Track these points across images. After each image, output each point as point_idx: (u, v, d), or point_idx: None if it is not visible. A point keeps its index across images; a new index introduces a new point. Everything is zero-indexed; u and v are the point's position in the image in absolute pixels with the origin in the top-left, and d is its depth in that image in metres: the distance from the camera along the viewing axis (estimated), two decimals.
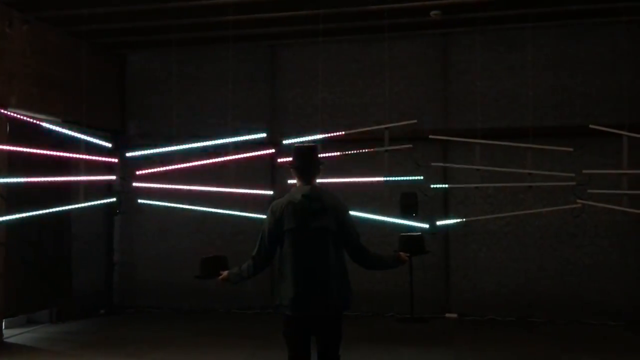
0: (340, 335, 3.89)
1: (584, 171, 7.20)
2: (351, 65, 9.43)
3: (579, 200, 7.18)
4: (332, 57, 9.34)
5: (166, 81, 9.69)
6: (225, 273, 4.17)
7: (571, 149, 7.35)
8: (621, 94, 8.35)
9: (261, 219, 8.50)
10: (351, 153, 7.74)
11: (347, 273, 3.87)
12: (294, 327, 3.83)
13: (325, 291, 3.72)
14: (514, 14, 8.24)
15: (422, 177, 7.82)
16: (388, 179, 7.46)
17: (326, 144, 7.81)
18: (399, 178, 7.82)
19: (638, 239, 8.34)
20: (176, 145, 7.86)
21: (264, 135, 8.06)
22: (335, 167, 8.52)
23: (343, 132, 7.86)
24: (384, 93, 8.62)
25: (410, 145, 7.51)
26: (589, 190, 7.12)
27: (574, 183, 7.22)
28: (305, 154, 4.01)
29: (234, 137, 7.90)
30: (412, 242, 4.44)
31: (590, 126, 7.09)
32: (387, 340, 7.44)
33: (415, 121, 7.54)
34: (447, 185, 8.46)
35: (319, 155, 4.07)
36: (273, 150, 8.28)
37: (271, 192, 8.68)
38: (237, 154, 7.84)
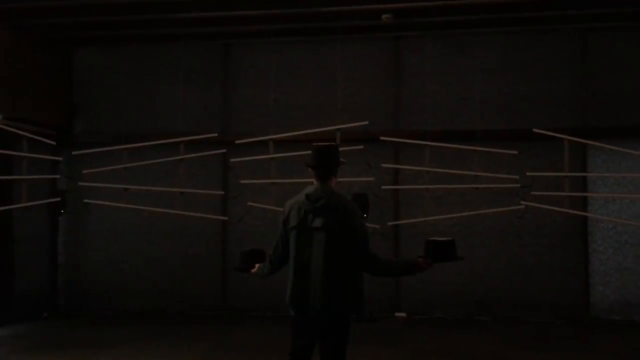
0: (344, 341, 3.76)
1: (528, 173, 7.46)
2: (304, 66, 9.46)
3: (522, 202, 7.42)
4: (285, 58, 9.33)
5: (116, 78, 9.50)
6: (256, 267, 4.22)
7: (516, 152, 7.58)
8: (563, 99, 8.68)
9: (212, 219, 8.53)
10: (303, 154, 7.75)
11: (353, 275, 3.73)
12: (295, 326, 3.83)
13: (322, 292, 3.65)
14: (463, 19, 8.44)
15: (373, 178, 7.91)
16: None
17: (279, 144, 7.84)
18: (351, 179, 7.91)
19: (578, 238, 8.68)
20: (125, 143, 7.70)
21: (215, 134, 7.99)
22: (288, 167, 8.61)
23: (295, 133, 7.86)
24: (336, 94, 8.68)
25: (362, 147, 7.59)
26: (532, 192, 7.36)
27: (518, 185, 7.45)
28: (322, 153, 3.93)
29: (185, 136, 7.81)
30: (439, 247, 3.94)
31: (534, 130, 7.33)
32: None
33: (366, 122, 7.62)
34: (398, 187, 8.59)
35: (337, 156, 3.99)
36: (225, 150, 8.23)
37: (222, 192, 8.64)
38: (189, 153, 7.75)
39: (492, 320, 8.53)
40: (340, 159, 4.02)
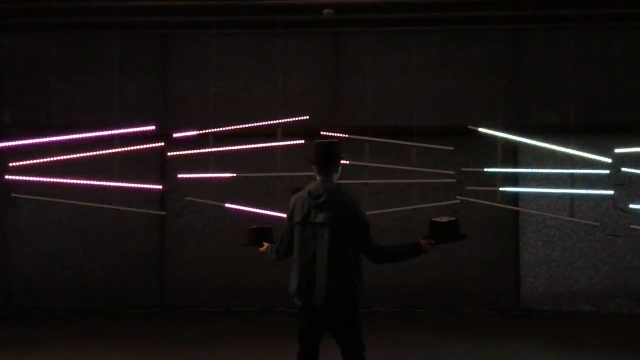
0: (355, 329, 3.87)
1: (463, 169, 7.68)
2: (245, 59, 9.36)
3: (458, 197, 7.64)
4: (225, 50, 9.21)
5: (46, 68, 9.07)
6: (265, 246, 4.34)
7: (452, 148, 7.78)
8: (496, 97, 8.97)
9: (149, 214, 8.32)
10: (243, 148, 7.70)
11: (355, 268, 3.84)
12: (302, 317, 3.92)
13: (327, 284, 3.76)
14: (402, 17, 8.59)
15: (313, 173, 7.91)
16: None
17: (218, 138, 7.73)
18: (291, 174, 7.91)
19: (510, 232, 9.01)
20: (55, 135, 7.37)
21: (152, 127, 7.78)
22: (228, 162, 8.51)
23: (235, 127, 7.78)
24: (277, 89, 8.64)
25: (302, 141, 7.59)
26: (467, 187, 7.59)
27: (454, 180, 7.66)
28: (324, 149, 3.99)
29: (120, 128, 7.57)
30: (443, 228, 3.97)
31: (469, 127, 7.55)
32: (277, 334, 7.48)
33: (307, 117, 7.63)
34: (338, 181, 8.63)
35: (339, 151, 4.00)
36: (163, 144, 8.03)
37: (160, 187, 8.44)
38: (124, 146, 7.51)
39: (428, 312, 8.74)
40: (342, 155, 4.05)
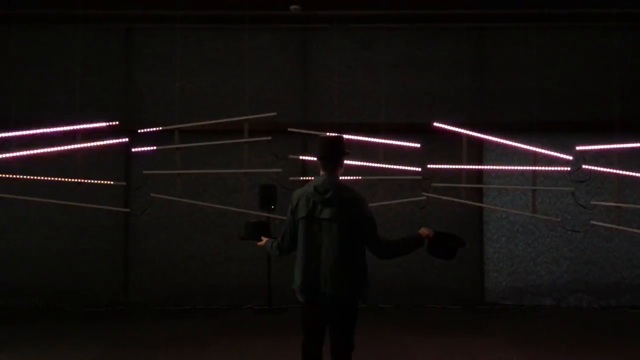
0: (352, 324, 3.89)
1: (429, 166, 7.76)
2: (211, 54, 9.26)
3: (424, 193, 7.72)
4: (191, 45, 9.10)
5: (5, 61, 8.80)
6: (264, 240, 4.30)
7: (418, 145, 7.85)
8: (462, 95, 9.09)
9: (113, 211, 8.17)
10: (209, 144, 7.62)
11: (361, 264, 3.87)
12: (306, 312, 3.93)
13: (332, 280, 3.77)
14: (369, 14, 8.62)
15: (280, 170, 7.90)
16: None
17: (184, 134, 7.63)
18: (258, 170, 7.87)
19: (475, 228, 9.15)
20: (15, 131, 7.16)
21: (116, 122, 7.63)
22: (194, 158, 8.41)
23: (201, 123, 7.69)
24: (244, 84, 8.58)
25: (270, 138, 7.54)
26: (433, 184, 7.67)
27: (420, 177, 7.74)
28: (328, 145, 4.00)
29: (82, 123, 7.39)
30: (443, 240, 4.10)
31: (435, 124, 7.63)
32: (244, 332, 7.45)
33: (274, 114, 7.58)
34: (306, 178, 8.63)
35: (343, 147, 4.03)
36: (127, 139, 7.89)
37: (124, 183, 8.29)
38: (87, 142, 7.34)
39: (393, 307, 8.81)
40: (346, 150, 4.06)
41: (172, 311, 8.63)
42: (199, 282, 9.01)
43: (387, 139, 7.83)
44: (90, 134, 7.47)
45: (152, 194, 7.68)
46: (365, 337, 6.99)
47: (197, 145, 7.59)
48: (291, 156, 8.25)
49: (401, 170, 7.79)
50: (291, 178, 8.05)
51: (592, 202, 7.94)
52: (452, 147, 8.10)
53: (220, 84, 9.18)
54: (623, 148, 7.74)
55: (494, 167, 8.79)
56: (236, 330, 7.56)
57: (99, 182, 7.77)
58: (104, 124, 7.41)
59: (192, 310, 8.74)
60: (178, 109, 8.37)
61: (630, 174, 7.63)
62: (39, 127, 7.31)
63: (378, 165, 7.72)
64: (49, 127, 7.34)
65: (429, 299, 8.98)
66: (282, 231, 4.10)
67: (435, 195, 7.62)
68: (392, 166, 7.72)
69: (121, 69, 9.21)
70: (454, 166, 7.82)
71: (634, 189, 8.78)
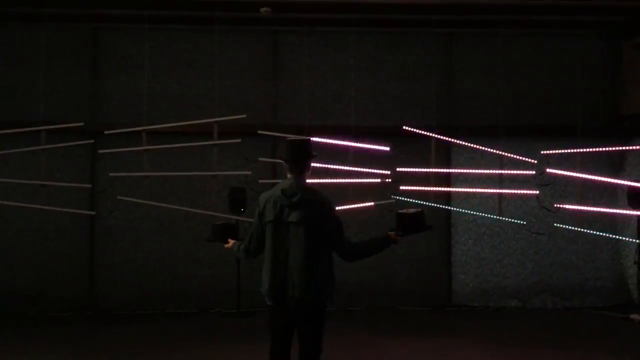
0: (321, 327, 3.89)
1: (398, 169, 7.83)
2: (180, 55, 9.17)
3: (393, 196, 7.79)
4: (160, 46, 9.01)
5: None
6: (231, 243, 4.28)
7: (388, 148, 7.92)
8: (431, 99, 9.21)
9: (78, 213, 8.02)
10: (178, 146, 7.55)
11: (328, 266, 3.87)
12: (273, 315, 3.90)
13: (300, 283, 3.76)
14: (339, 17, 8.66)
15: (250, 172, 7.87)
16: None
17: (152, 136, 7.55)
18: (228, 172, 7.83)
19: (443, 230, 9.24)
20: None
21: (82, 123, 7.50)
22: (162, 160, 8.32)
23: (170, 124, 7.62)
24: (214, 86, 8.53)
25: (239, 140, 7.52)
26: (402, 187, 7.74)
27: (389, 180, 7.80)
28: (295, 148, 3.99)
29: (47, 124, 7.25)
30: (409, 219, 4.10)
31: (404, 127, 7.70)
32: (212, 336, 7.38)
33: (244, 116, 7.55)
34: (276, 180, 8.61)
35: (311, 150, 4.02)
36: (93, 141, 7.77)
37: (89, 185, 8.15)
38: (52, 143, 7.20)
39: (363, 310, 8.85)
40: (314, 153, 4.05)
41: (139, 315, 8.50)
42: (166, 286, 8.90)
43: (357, 142, 7.88)
44: (55, 135, 7.33)
45: (118, 197, 7.57)
46: (335, 340, 7.00)
47: (166, 147, 7.51)
48: (261, 158, 8.23)
49: (370, 173, 7.84)
50: (261, 181, 8.02)
51: (555, 205, 8.12)
52: (420, 151, 8.19)
53: (189, 85, 9.11)
54: (586, 152, 7.95)
55: (462, 170, 8.92)
56: (205, 334, 7.49)
57: (64, 184, 7.63)
58: (69, 125, 7.28)
59: (160, 314, 8.62)
60: (146, 111, 8.27)
61: (593, 177, 7.84)
62: (1, 128, 7.14)
63: (347, 168, 7.75)
64: (14, 128, 7.18)
65: (398, 301, 9.04)
66: (248, 234, 4.09)
67: (404, 198, 7.69)
68: (361, 169, 7.77)
69: (88, 69, 9.05)
70: (422, 169, 7.90)
71: (596, 192, 9.01)
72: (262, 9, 8.10)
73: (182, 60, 9.16)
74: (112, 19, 8.79)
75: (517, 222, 8.38)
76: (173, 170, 8.41)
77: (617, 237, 8.66)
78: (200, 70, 9.05)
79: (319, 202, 3.90)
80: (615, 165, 9.17)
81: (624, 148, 8.70)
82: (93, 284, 8.92)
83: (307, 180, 4.03)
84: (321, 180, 8.12)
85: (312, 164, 4.08)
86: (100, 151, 7.74)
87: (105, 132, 7.60)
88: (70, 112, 8.50)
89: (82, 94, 9.00)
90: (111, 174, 7.61)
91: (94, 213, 8.30)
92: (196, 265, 8.98)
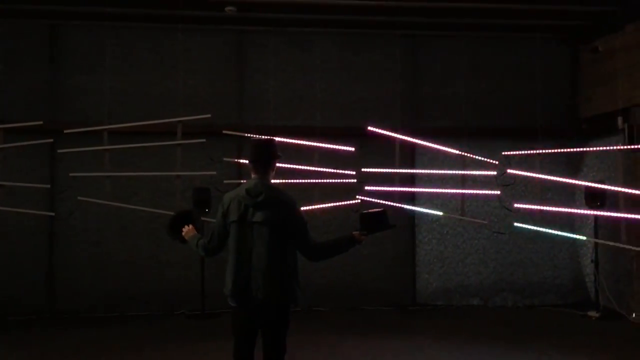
0: (285, 328, 3.89)
1: (363, 170, 7.88)
2: (143, 54, 9.03)
3: (358, 197, 7.83)
4: (122, 44, 8.85)
5: None
6: (190, 231, 4.19)
7: (353, 149, 7.96)
8: (395, 100, 9.30)
9: (37, 214, 7.82)
10: (141, 146, 7.44)
11: (292, 267, 3.87)
12: (237, 317, 3.90)
13: (264, 283, 3.75)
14: (305, 18, 8.67)
15: (215, 172, 7.81)
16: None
17: (114, 136, 7.41)
18: (192, 173, 7.75)
19: (407, 230, 9.34)
20: None
21: (40, 122, 7.31)
22: (125, 160, 8.17)
23: (132, 124, 7.49)
24: (178, 85, 8.43)
25: (204, 140, 7.45)
26: (366, 187, 7.79)
27: (354, 180, 7.85)
28: (259, 148, 4.00)
29: (3, 123, 7.05)
30: (372, 218, 4.13)
31: (369, 128, 7.76)
32: (176, 338, 7.29)
33: (209, 115, 7.48)
34: (241, 181, 8.57)
35: (275, 150, 4.02)
36: (52, 140, 7.58)
37: (49, 186, 7.95)
38: (9, 142, 7.01)
39: (329, 310, 8.87)
40: (278, 153, 4.05)
41: (101, 319, 8.34)
42: (129, 288, 8.75)
43: (322, 143, 7.89)
44: (13, 134, 7.13)
45: (79, 198, 7.41)
46: (299, 340, 7.01)
47: (128, 146, 7.38)
48: (226, 159, 8.18)
49: (336, 173, 7.87)
50: (226, 181, 7.97)
51: (516, 205, 8.29)
52: (385, 151, 8.26)
53: (153, 84, 8.97)
54: (545, 153, 8.15)
55: (426, 171, 9.03)
56: (168, 336, 7.39)
57: (22, 184, 7.43)
58: (27, 124, 7.09)
59: (123, 317, 8.47)
60: (107, 110, 8.12)
61: (551, 178, 8.03)
62: None
63: (313, 168, 7.76)
64: None
65: (363, 301, 9.10)
66: (209, 233, 4.06)
67: (369, 199, 7.74)
68: (326, 169, 7.79)
69: (48, 67, 8.83)
70: (387, 170, 7.97)
71: (555, 192, 9.24)
72: (227, 8, 8.05)
73: (145, 58, 9.02)
74: (72, 16, 8.59)
75: (479, 222, 8.52)
76: (136, 171, 8.27)
77: (575, 236, 8.89)
78: (164, 69, 8.93)
79: (284, 202, 3.91)
80: (573, 166, 9.42)
81: (581, 149, 8.95)
82: (53, 286, 8.70)
83: (272, 181, 4.04)
84: (286, 181, 8.12)
85: (278, 164, 4.09)
86: (59, 151, 7.57)
87: (65, 132, 7.43)
88: (29, 111, 8.27)
89: (41, 93, 8.78)
90: (71, 174, 7.45)
91: (53, 214, 8.10)
92: (160, 266, 8.85)
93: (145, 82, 8.97)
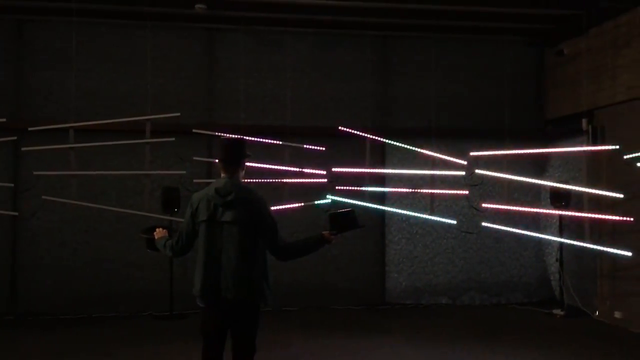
0: (254, 328, 3.87)
1: (333, 169, 7.90)
2: (111, 51, 8.88)
3: (328, 196, 7.85)
4: (89, 40, 8.69)
5: None
6: (160, 233, 4.16)
7: (323, 148, 7.97)
8: (366, 100, 9.34)
9: (1, 213, 7.63)
10: (108, 144, 7.31)
11: (262, 266, 3.85)
12: (205, 317, 3.87)
13: (234, 283, 3.73)
14: (276, 17, 8.65)
15: (184, 172, 7.73)
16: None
17: (80, 134, 7.27)
18: (161, 172, 7.66)
19: (377, 230, 9.39)
20: None
21: (4, 119, 7.13)
22: (92, 159, 8.02)
23: (99, 122, 7.36)
24: (146, 83, 8.31)
25: (173, 139, 7.36)
26: (337, 187, 7.82)
27: (325, 180, 7.86)
28: (229, 147, 3.98)
29: None
30: (342, 218, 4.16)
31: (340, 128, 7.78)
32: (144, 339, 7.19)
33: (178, 114, 7.40)
34: (210, 180, 8.49)
35: (245, 149, 4.00)
36: (15, 137, 7.40)
37: (12, 184, 7.76)
38: None
39: (299, 310, 8.86)
40: (248, 153, 4.03)
41: (66, 320, 8.16)
42: (95, 289, 8.59)
43: (293, 142, 7.88)
44: None
45: (43, 197, 7.25)
46: (269, 340, 6.99)
47: (95, 145, 7.25)
48: (196, 158, 8.10)
49: (306, 173, 7.87)
50: (196, 180, 7.89)
51: (483, 205, 8.42)
52: (356, 151, 8.29)
53: (121, 82, 8.83)
54: (512, 154, 8.29)
55: (396, 170, 9.10)
56: (136, 338, 7.28)
57: None
58: None
59: (87, 318, 8.30)
60: (73, 107, 7.96)
61: (518, 178, 8.18)
62: None
63: (283, 167, 7.75)
64: None
65: (333, 300, 9.11)
66: (177, 232, 4.02)
67: (339, 198, 7.76)
68: (297, 169, 7.78)
69: (12, 63, 8.61)
70: (357, 169, 8.00)
71: (521, 193, 9.41)
72: (197, 6, 7.97)
73: (113, 56, 8.88)
74: (38, 12, 8.40)
75: (447, 222, 8.62)
76: (103, 170, 8.13)
77: (541, 235, 9.07)
78: (132, 67, 8.80)
79: (254, 201, 3.89)
80: (539, 167, 9.61)
81: (547, 151, 9.14)
82: (15, 288, 8.48)
83: (242, 180, 4.01)
84: (257, 180, 8.09)
85: (247, 164, 4.07)
86: (23, 149, 7.39)
87: (30, 129, 7.26)
88: None
89: (5, 89, 8.56)
90: (35, 173, 7.27)
91: (16, 214, 7.90)
92: (127, 267, 8.71)
93: (113, 80, 8.82)
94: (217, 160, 4.01)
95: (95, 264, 8.64)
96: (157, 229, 4.22)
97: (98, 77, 8.76)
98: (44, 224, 8.46)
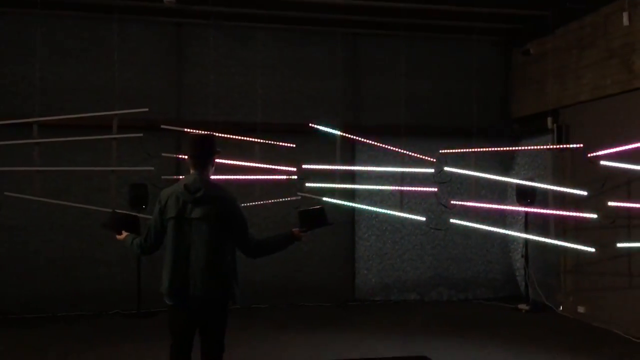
0: (223, 326, 3.85)
1: (304, 166, 7.89)
2: (77, 44, 8.69)
3: (299, 193, 7.84)
4: (53, 33, 8.48)
5: None
6: (124, 235, 4.09)
7: (294, 145, 7.95)
8: (336, 97, 9.35)
9: None
10: (73, 139, 7.15)
11: (231, 264, 3.83)
12: (173, 315, 3.84)
13: (202, 281, 3.70)
14: (246, 12, 8.58)
15: (153, 168, 7.62)
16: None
17: (44, 129, 7.10)
18: (128, 168, 7.53)
19: (347, 227, 9.42)
20: None
21: None
22: (56, 155, 7.84)
23: (64, 117, 7.20)
24: (114, 78, 8.16)
25: (141, 134, 7.23)
26: (307, 184, 7.80)
27: (295, 177, 7.84)
28: (198, 143, 3.96)
29: None
30: (311, 216, 4.19)
31: (310, 125, 7.77)
32: (110, 338, 7.09)
33: (146, 109, 7.27)
34: (179, 177, 8.39)
35: (214, 145, 3.97)
36: None
37: None
38: None
39: (268, 307, 8.84)
40: (217, 149, 3.99)
41: (30, 319, 7.97)
42: (59, 288, 8.40)
43: (263, 139, 7.84)
44: None
45: (5, 193, 7.06)
46: (238, 338, 6.96)
47: (60, 140, 7.09)
48: (164, 154, 7.98)
49: (277, 170, 7.84)
50: (164, 177, 7.77)
51: (452, 202, 8.52)
52: (326, 148, 8.29)
53: (86, 76, 8.64)
54: (480, 152, 8.41)
55: (365, 168, 9.14)
56: (103, 337, 7.17)
57: None
58: None
59: (54, 317, 8.13)
60: (37, 102, 7.77)
61: (486, 175, 8.31)
62: None
63: (254, 164, 7.69)
64: None
65: (303, 297, 9.11)
66: (145, 230, 3.97)
67: (310, 195, 7.76)
68: (267, 166, 7.75)
69: None
70: (327, 167, 8.01)
71: (488, 190, 9.56)
72: (166, 0, 7.85)
73: (79, 49, 8.68)
74: (1, 2, 8.15)
75: (416, 218, 8.69)
76: (68, 166, 7.95)
77: (507, 232, 9.23)
78: (99, 61, 8.62)
79: (223, 198, 3.86)
80: (505, 164, 9.78)
81: (513, 148, 9.30)
82: None
83: (212, 177, 3.98)
84: (227, 177, 8.02)
85: (217, 160, 4.03)
86: None
87: None
88: None
89: None
90: (4, 168, 7.08)
91: None
92: (93, 265, 8.55)
93: (78, 74, 8.63)
94: (186, 157, 3.97)
95: (60, 262, 8.46)
96: (121, 234, 4.11)
97: (63, 70, 8.56)
98: (6, 220, 8.24)
